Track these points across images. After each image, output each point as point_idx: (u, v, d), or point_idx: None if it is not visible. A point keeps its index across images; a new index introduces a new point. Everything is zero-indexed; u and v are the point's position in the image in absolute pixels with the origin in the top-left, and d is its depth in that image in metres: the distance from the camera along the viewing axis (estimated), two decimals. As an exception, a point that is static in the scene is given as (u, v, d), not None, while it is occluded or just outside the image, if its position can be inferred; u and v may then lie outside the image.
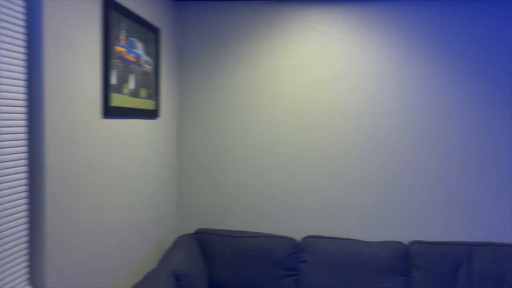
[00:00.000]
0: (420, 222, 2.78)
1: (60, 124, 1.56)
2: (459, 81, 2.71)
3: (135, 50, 2.21)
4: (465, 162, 2.73)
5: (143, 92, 2.32)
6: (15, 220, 1.41)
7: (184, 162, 2.97)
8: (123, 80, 2.06)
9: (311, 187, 2.86)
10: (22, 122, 1.43)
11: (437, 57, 2.71)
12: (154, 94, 2.49)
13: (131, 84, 2.16)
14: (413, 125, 2.76)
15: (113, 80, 1.96)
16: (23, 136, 1.43)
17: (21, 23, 1.42)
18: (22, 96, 1.42)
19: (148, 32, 2.36)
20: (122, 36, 2.04)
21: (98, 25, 1.82)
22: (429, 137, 2.75)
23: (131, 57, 2.15)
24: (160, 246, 2.66)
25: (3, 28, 1.33)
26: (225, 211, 2.96)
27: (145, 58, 2.33)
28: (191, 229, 3.00)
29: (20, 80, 1.41)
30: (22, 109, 1.43)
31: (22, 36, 1.42)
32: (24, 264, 1.46)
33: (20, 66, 1.41)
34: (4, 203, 1.36)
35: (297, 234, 2.90)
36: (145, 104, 2.36)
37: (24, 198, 1.45)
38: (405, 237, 2.80)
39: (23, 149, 1.44)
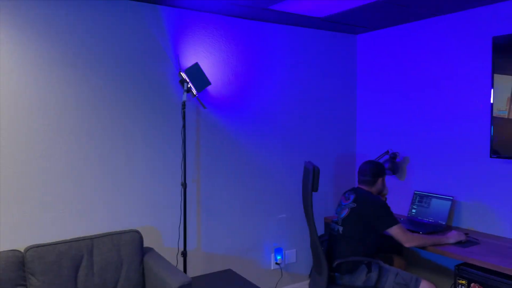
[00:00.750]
0: (38, 226, 2.67)
1: None
2: (74, 78, 2.75)
3: None
4: (83, 158, 2.80)
5: None
6: None
7: None
8: None
9: None
10: None
11: (60, 52, 2.66)
12: None
13: None
14: (22, 124, 2.61)
15: None
16: None
17: None
18: None
19: None
20: None
21: None
22: (61, 136, 2.67)
23: None
24: None
25: None
26: None
27: None
28: None
29: None
30: None
31: None
32: None
33: None
34: None
35: None
36: None
37: None
38: (26, 244, 2.62)
39: None
